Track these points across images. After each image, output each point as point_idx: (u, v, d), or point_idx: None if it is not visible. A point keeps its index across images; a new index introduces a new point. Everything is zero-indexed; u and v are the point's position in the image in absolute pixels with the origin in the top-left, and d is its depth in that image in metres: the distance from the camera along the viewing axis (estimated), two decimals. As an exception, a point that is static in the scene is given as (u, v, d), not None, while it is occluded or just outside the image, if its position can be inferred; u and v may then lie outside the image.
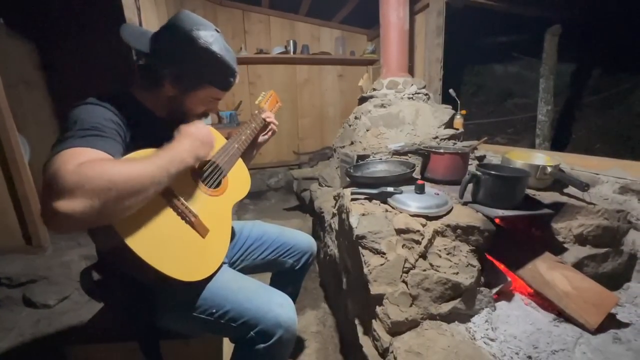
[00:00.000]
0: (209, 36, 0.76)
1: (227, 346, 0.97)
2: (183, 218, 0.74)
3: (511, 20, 2.87)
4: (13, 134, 1.81)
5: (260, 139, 1.17)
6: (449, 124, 1.76)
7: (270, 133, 1.18)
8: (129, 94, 0.82)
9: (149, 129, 0.80)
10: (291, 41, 3.20)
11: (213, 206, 0.84)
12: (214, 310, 0.77)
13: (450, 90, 2.09)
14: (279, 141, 3.62)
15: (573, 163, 1.37)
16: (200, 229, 0.77)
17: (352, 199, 1.22)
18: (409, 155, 1.56)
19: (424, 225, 1.01)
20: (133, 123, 0.76)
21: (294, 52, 3.22)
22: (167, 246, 0.69)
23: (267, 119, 1.14)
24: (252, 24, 3.27)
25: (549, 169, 1.20)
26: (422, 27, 2.47)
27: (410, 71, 2.60)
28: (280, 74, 3.44)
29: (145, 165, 0.62)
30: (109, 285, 0.80)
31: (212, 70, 0.79)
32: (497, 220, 1.21)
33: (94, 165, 0.56)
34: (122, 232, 0.62)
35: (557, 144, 3.18)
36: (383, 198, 1.17)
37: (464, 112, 2.05)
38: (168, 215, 0.72)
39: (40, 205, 0.56)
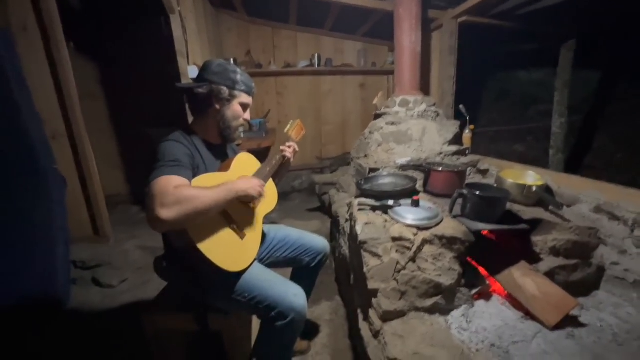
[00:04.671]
0: (226, 62, 1.12)
1: (255, 321, 1.27)
2: (230, 225, 1.03)
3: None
4: (87, 143, 2.21)
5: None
6: (454, 141, 1.93)
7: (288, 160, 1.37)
8: (192, 131, 1.13)
9: (207, 154, 1.13)
10: (316, 55, 3.46)
11: (250, 216, 1.13)
12: (247, 295, 1.04)
13: (461, 106, 2.24)
14: (304, 146, 3.91)
15: (560, 182, 1.51)
16: (241, 234, 1.05)
17: (359, 209, 1.46)
18: (414, 170, 1.76)
19: (415, 235, 1.23)
20: (197, 152, 1.09)
21: (319, 65, 3.48)
22: (218, 245, 0.97)
23: (284, 152, 1.31)
24: (281, 40, 3.57)
25: (534, 188, 1.37)
26: (438, 44, 2.62)
27: (426, 86, 2.77)
28: (306, 85, 3.71)
29: (213, 193, 0.92)
30: (173, 270, 1.12)
31: (237, 79, 1.10)
32: (484, 232, 1.40)
33: (185, 190, 0.87)
34: (192, 234, 0.91)
35: (577, 153, 3.20)
36: (384, 210, 1.40)
37: (472, 127, 2.20)
38: (220, 223, 1.01)
39: (147, 213, 0.86)
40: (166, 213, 0.83)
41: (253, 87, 1.17)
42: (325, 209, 3.00)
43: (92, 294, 2.10)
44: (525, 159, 3.55)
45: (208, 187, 0.94)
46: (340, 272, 2.02)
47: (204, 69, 1.10)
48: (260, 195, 1.07)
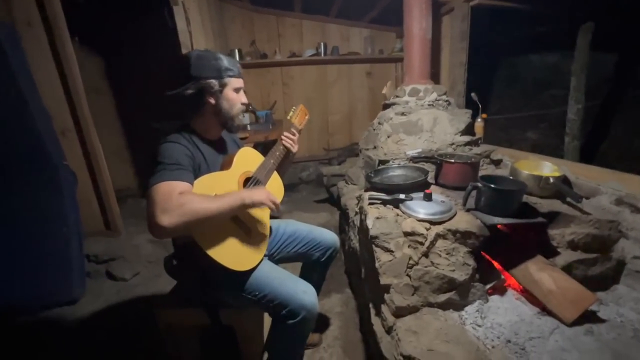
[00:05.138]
0: (204, 51, 1.06)
1: (267, 315, 1.27)
2: (236, 223, 1.01)
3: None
4: (95, 138, 2.22)
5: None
6: (466, 131, 1.87)
7: (291, 150, 1.30)
8: (190, 129, 1.09)
9: (208, 151, 1.09)
10: (322, 44, 3.38)
11: (256, 212, 1.10)
12: (257, 293, 1.03)
13: (472, 94, 2.17)
14: (311, 137, 3.87)
15: (578, 173, 1.46)
16: (248, 231, 1.04)
17: (370, 203, 1.43)
18: (425, 162, 1.72)
19: (427, 229, 1.20)
20: (198, 151, 1.05)
21: (325, 54, 3.40)
22: (224, 245, 0.96)
23: (285, 142, 1.26)
24: (285, 28, 3.49)
25: (551, 180, 1.32)
26: (448, 30, 2.52)
27: (436, 73, 2.69)
28: (312, 75, 3.65)
29: (218, 203, 0.89)
30: (182, 269, 1.12)
31: (221, 66, 1.03)
32: (499, 226, 1.37)
33: (188, 197, 0.85)
34: (196, 236, 0.90)
35: (593, 140, 3.10)
36: (395, 204, 1.37)
37: (484, 115, 2.13)
38: (225, 222, 0.99)
39: (148, 219, 0.84)
40: (167, 220, 0.81)
41: (239, 67, 1.11)
42: (334, 200, 2.99)
43: (106, 287, 2.15)
44: (538, 147, 3.45)
45: (214, 197, 0.91)
46: (350, 265, 2.02)
47: (185, 67, 1.02)
48: (272, 204, 1.00)
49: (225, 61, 1.05)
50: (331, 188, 3.02)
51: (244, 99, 1.13)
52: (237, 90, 1.09)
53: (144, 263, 2.32)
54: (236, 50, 3.22)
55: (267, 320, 1.30)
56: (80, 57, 2.82)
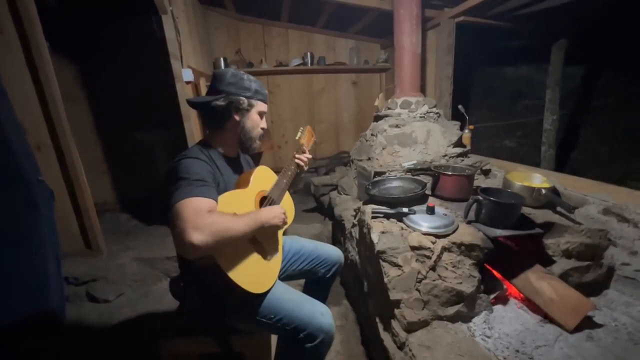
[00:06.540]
0: (239, 71, 1.10)
1: (274, 339, 1.23)
2: (254, 246, 1.00)
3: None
4: (75, 152, 2.08)
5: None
6: (457, 143, 1.94)
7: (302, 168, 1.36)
8: (209, 145, 1.10)
9: (225, 169, 1.09)
10: (308, 53, 3.39)
11: (272, 234, 1.10)
12: (272, 316, 1.00)
13: (460, 107, 2.25)
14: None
15: (566, 184, 1.55)
16: (263, 253, 1.02)
17: (373, 217, 1.44)
18: (420, 173, 1.76)
19: (433, 243, 1.22)
20: (216, 167, 1.04)
21: (311, 64, 3.42)
22: (244, 268, 0.93)
23: (299, 162, 1.31)
24: (271, 37, 3.48)
25: (544, 191, 1.40)
26: (434, 43, 2.62)
27: (422, 85, 2.77)
28: (298, 84, 3.65)
29: (242, 223, 0.88)
30: (191, 292, 1.07)
31: (253, 87, 1.08)
32: (500, 237, 1.42)
33: (218, 216, 0.84)
34: (219, 259, 0.87)
35: (564, 147, 3.31)
36: (399, 217, 1.38)
37: (471, 127, 2.22)
38: (246, 245, 0.98)
39: (178, 236, 0.79)
40: (200, 237, 0.78)
41: (267, 94, 1.16)
42: (324, 209, 2.98)
43: (87, 311, 2.01)
44: (516, 155, 3.65)
45: (239, 217, 0.90)
46: (347, 276, 2.01)
47: (217, 80, 1.07)
48: (285, 223, 1.06)
49: (257, 84, 1.10)
50: (321, 197, 3.01)
51: (264, 125, 1.16)
52: (261, 114, 1.13)
53: (129, 282, 2.19)
54: (221, 59, 3.16)
55: (273, 343, 1.26)
56: (54, 63, 2.65)
